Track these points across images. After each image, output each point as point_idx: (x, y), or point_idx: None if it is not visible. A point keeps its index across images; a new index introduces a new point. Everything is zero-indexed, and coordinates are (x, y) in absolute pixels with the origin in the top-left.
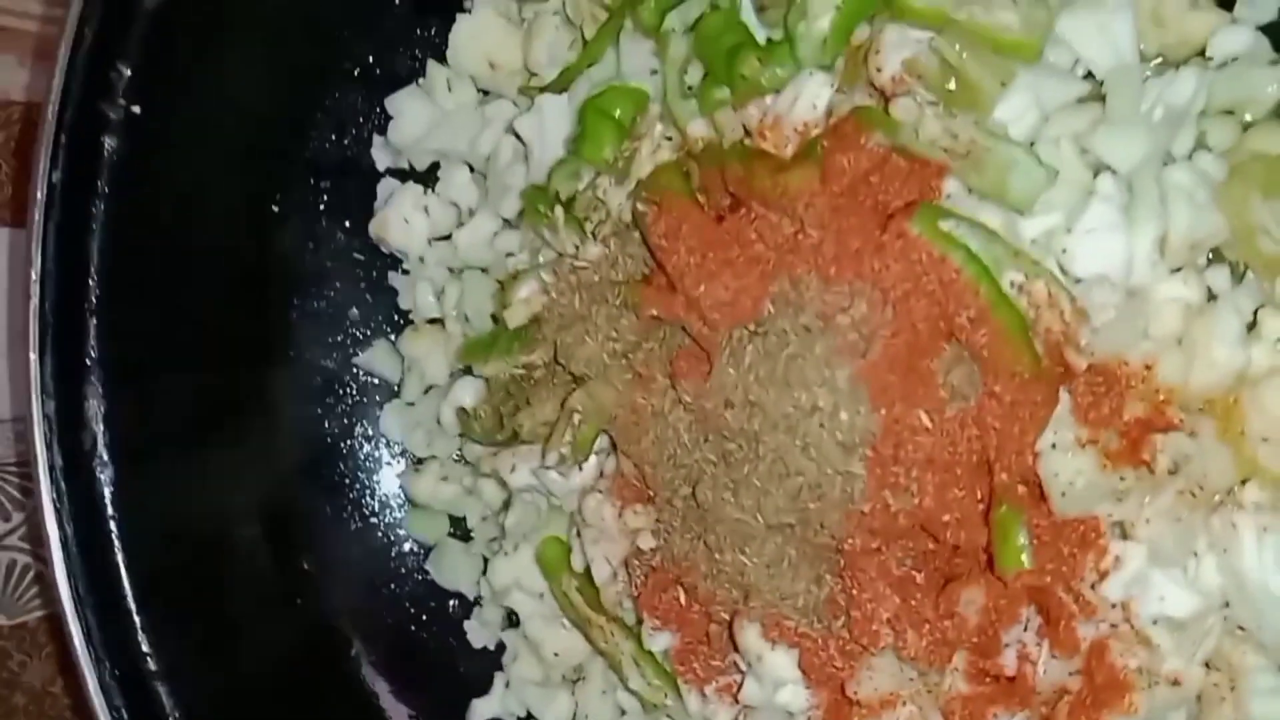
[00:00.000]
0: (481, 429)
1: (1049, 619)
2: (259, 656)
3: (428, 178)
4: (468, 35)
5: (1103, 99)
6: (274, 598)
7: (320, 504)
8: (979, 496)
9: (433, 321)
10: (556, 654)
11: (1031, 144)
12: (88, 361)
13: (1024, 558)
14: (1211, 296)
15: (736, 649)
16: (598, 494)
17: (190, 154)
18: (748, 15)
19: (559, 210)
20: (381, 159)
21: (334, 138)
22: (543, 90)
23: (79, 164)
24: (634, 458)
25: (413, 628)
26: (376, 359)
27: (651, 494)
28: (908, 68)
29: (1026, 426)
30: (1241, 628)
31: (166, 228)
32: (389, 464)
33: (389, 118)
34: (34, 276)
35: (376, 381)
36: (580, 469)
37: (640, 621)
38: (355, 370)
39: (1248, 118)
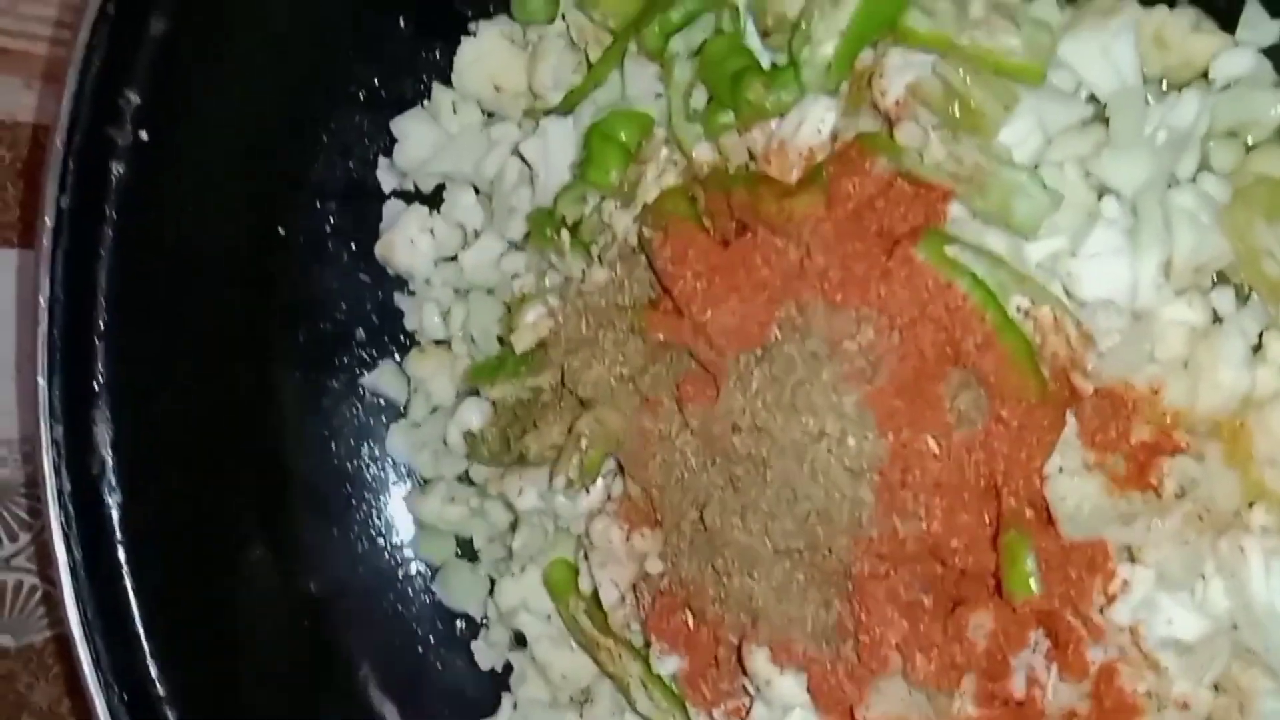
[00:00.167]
0: (489, 451)
1: (1057, 642)
2: (267, 678)
3: (433, 199)
4: (472, 58)
5: (1106, 121)
6: (281, 620)
7: (327, 525)
8: (987, 521)
9: (439, 342)
10: (564, 676)
11: (1036, 167)
12: (96, 387)
13: (1032, 583)
14: (1216, 319)
15: (745, 673)
16: (605, 517)
17: (197, 179)
18: (752, 40)
19: (565, 234)
20: (387, 181)
21: (340, 160)
22: (547, 113)
23: (87, 190)
24: (641, 481)
25: (420, 649)
26: (383, 380)
27: (659, 517)
28: (912, 91)
29: (1033, 451)
30: (1250, 650)
31: (174, 252)
32: (395, 485)
33: (394, 140)
34: (42, 302)
35: (383, 402)
36: (587, 492)
37: (648, 644)
38: (362, 391)
39: (1251, 140)
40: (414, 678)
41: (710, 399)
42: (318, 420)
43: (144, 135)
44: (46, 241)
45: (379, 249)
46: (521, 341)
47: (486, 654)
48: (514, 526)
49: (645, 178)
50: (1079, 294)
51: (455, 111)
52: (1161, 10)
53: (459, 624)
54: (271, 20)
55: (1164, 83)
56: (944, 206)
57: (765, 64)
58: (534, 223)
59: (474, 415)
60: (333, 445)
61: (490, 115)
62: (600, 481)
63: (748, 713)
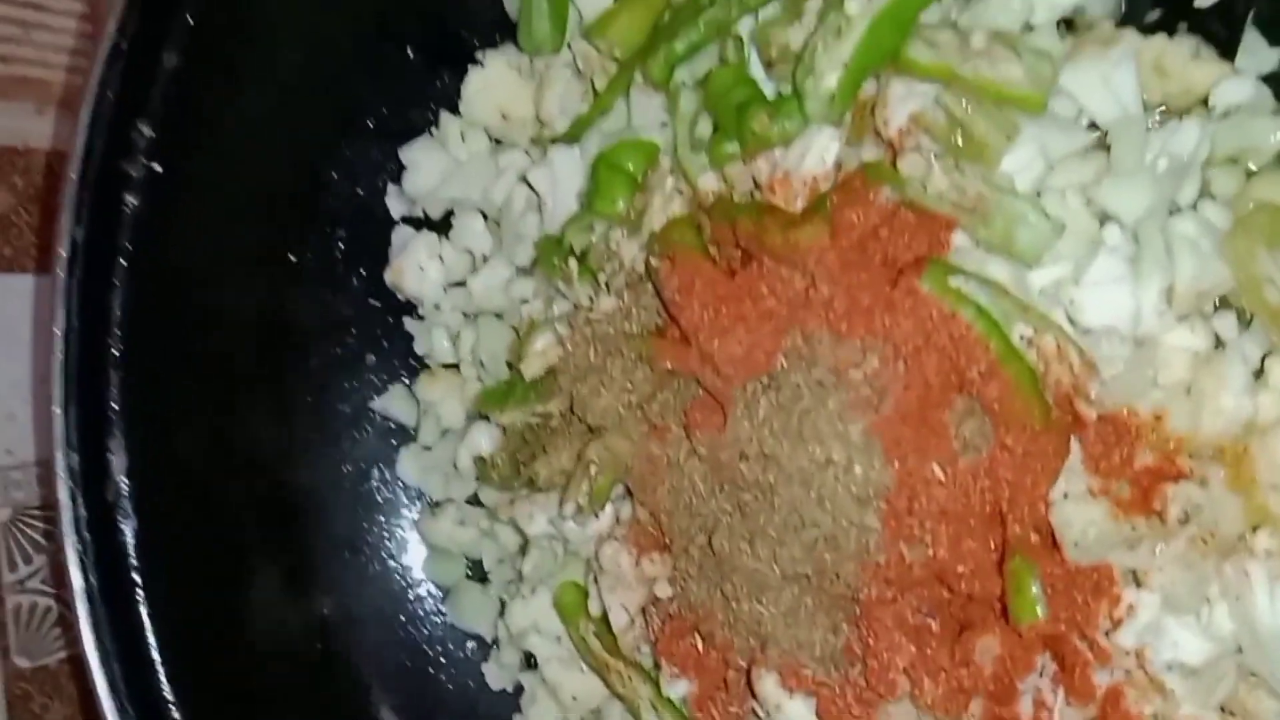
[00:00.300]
0: (499, 476)
1: (1064, 666)
2: (280, 700)
3: (442, 226)
4: (480, 87)
5: (1107, 149)
6: (294, 642)
7: (339, 548)
8: (992, 546)
9: (448, 366)
10: (575, 697)
11: (1038, 195)
12: (110, 415)
13: (1038, 608)
14: (1219, 344)
15: (754, 696)
16: (615, 542)
17: (209, 209)
18: (756, 70)
19: (573, 262)
20: (396, 208)
21: (350, 188)
22: (554, 141)
23: (101, 221)
24: (650, 507)
25: (431, 670)
26: (393, 404)
27: (668, 542)
28: (914, 121)
29: (1038, 477)
30: (1255, 673)
31: (186, 281)
32: (406, 507)
33: (403, 168)
34: (58, 332)
35: (393, 426)
36: (597, 517)
37: (658, 667)
38: (372, 415)
39: (1251, 166)
40: (425, 699)
41: (718, 426)
42: (329, 444)
43: (157, 167)
44: (61, 272)
45: (389, 275)
46: (531, 369)
47: (497, 675)
48: (524, 549)
49: (651, 206)
50: (1082, 321)
51: (463, 139)
52: (1161, 38)
53: (470, 645)
54: (282, 53)
55: (1164, 110)
56: (947, 235)
57: (769, 94)
58: (542, 251)
59: (484, 439)
60: (344, 469)
61: (498, 143)
62: (609, 507)
63: None
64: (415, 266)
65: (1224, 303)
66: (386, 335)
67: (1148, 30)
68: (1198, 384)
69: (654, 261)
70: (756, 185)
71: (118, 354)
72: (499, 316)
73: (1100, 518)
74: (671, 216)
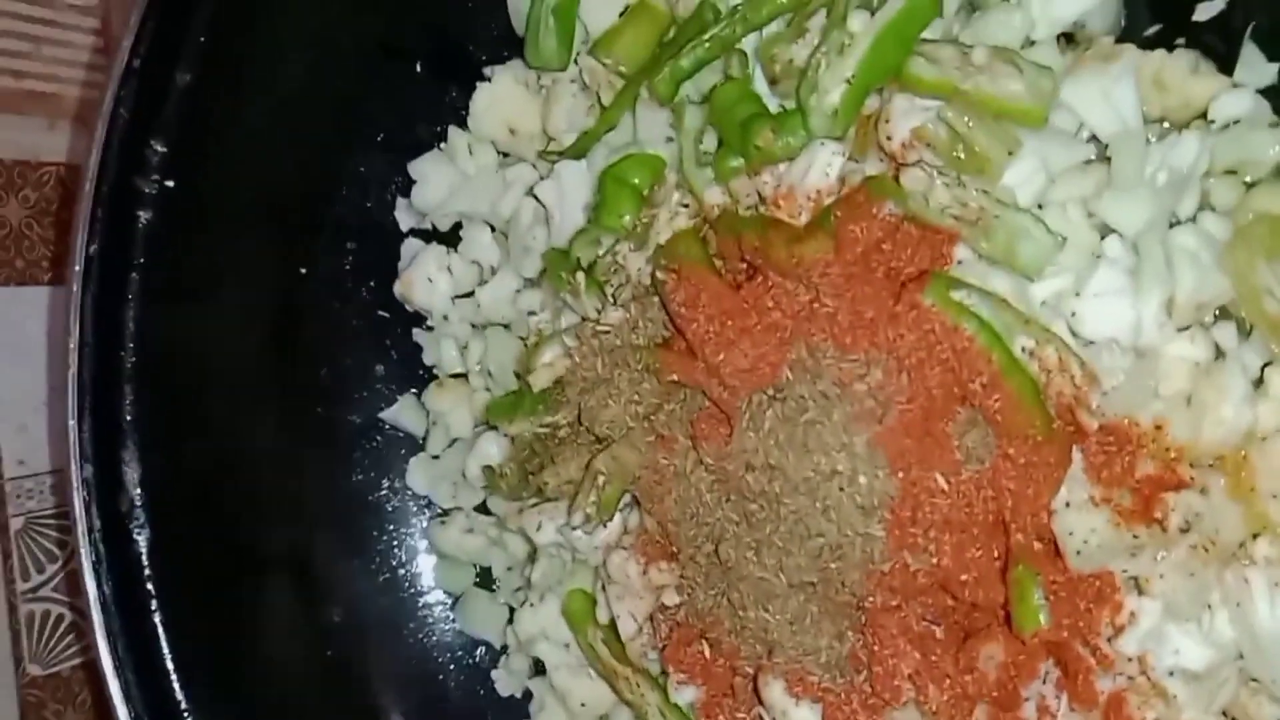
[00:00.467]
0: (507, 486)
1: (1067, 672)
2: (292, 708)
3: (451, 238)
4: (488, 102)
5: (1108, 161)
6: (305, 650)
7: (349, 557)
8: (996, 555)
9: (456, 376)
10: (583, 704)
11: (1039, 208)
12: (124, 427)
13: (1041, 615)
14: (1219, 354)
15: (761, 703)
16: (622, 551)
17: (221, 223)
18: (760, 86)
19: (580, 275)
20: (405, 221)
21: (359, 202)
22: (561, 155)
23: (115, 236)
24: (657, 516)
25: (440, 676)
26: (402, 414)
27: (675, 551)
28: (917, 136)
29: (1041, 487)
30: (1256, 679)
31: (199, 295)
32: (415, 516)
33: (412, 181)
34: (72, 345)
35: (402, 435)
36: (605, 527)
37: (665, 673)
38: (381, 425)
39: (1250, 179)
40: (435, 705)
41: (724, 437)
42: (339, 454)
43: (170, 183)
44: (76, 286)
45: (398, 287)
46: (539, 380)
47: (506, 681)
48: (532, 556)
49: (657, 220)
50: (1083, 333)
51: (471, 154)
52: (1160, 53)
53: (479, 652)
54: (292, 70)
55: (1164, 124)
56: (950, 249)
57: (773, 110)
58: (550, 263)
59: (492, 449)
60: (354, 478)
61: (505, 157)
62: (617, 516)
63: None
64: (424, 278)
65: (1224, 313)
66: (395, 346)
67: (1147, 45)
68: (1198, 394)
69: (660, 274)
70: (761, 199)
71: (131, 366)
72: (507, 328)
73: (1102, 526)
74: (677, 230)
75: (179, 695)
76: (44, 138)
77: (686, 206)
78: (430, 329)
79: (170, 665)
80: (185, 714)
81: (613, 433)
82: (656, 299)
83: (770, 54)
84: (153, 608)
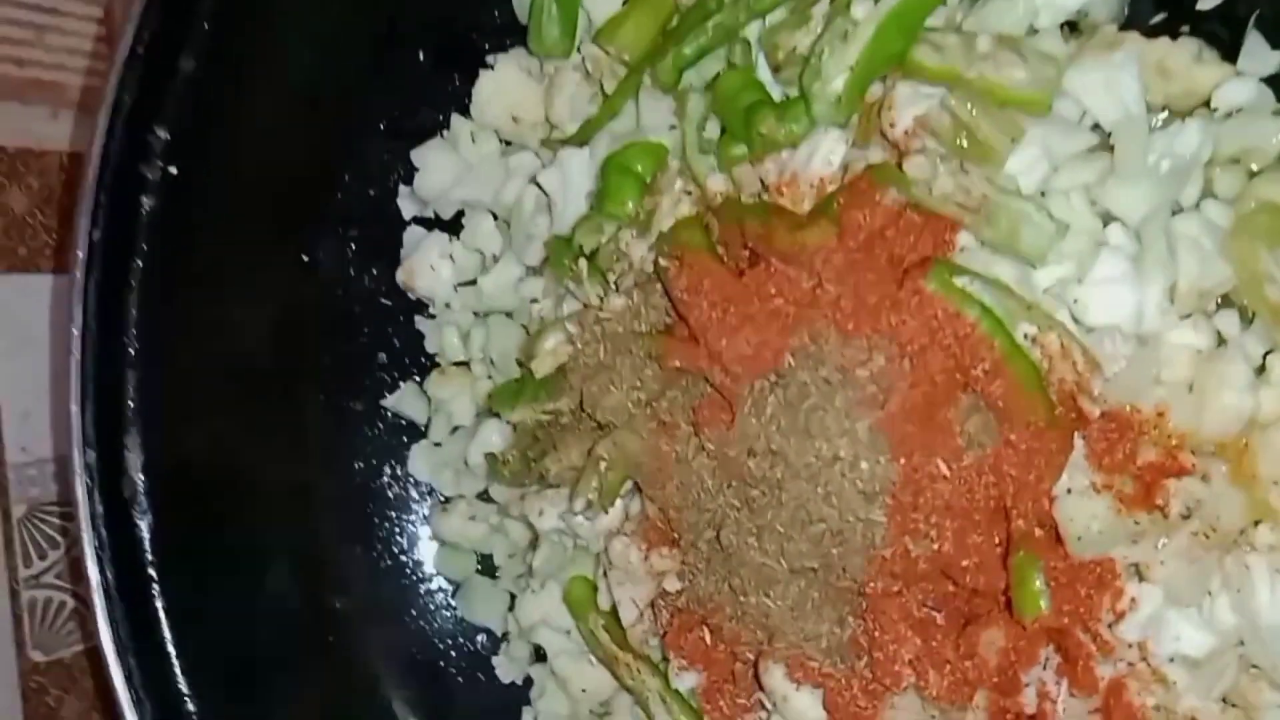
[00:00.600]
0: (509, 472)
1: (1068, 658)
2: (294, 695)
3: (453, 226)
4: (491, 89)
5: (1111, 149)
6: (307, 637)
7: (351, 543)
8: (997, 541)
9: (459, 364)
10: (584, 690)
11: (1042, 196)
12: (127, 413)
13: (1042, 601)
14: (1221, 342)
15: (762, 688)
16: (624, 537)
17: (224, 210)
18: (764, 73)
19: (583, 263)
20: (408, 208)
21: (362, 189)
22: (564, 143)
23: (118, 223)
24: (659, 502)
25: (442, 663)
26: (404, 401)
27: (677, 537)
28: (920, 123)
29: (1042, 473)
30: (1257, 665)
31: (201, 282)
32: (417, 503)
33: (415, 169)
34: (75, 332)
35: (404, 423)
36: (606, 513)
37: (666, 659)
38: (384, 412)
39: (1253, 167)
40: (436, 691)
41: (726, 423)
42: (341, 441)
43: (173, 170)
44: (79, 273)
45: (400, 274)
46: (541, 367)
47: (507, 668)
48: (534, 543)
49: (660, 208)
50: (1086, 320)
51: (474, 141)
52: (1164, 41)
53: (480, 639)
54: (295, 56)
55: (1167, 112)
56: (952, 236)
57: (777, 97)
58: (552, 251)
59: (494, 436)
60: (356, 465)
61: (508, 145)
62: (619, 503)
63: None
64: (426, 266)
65: (1226, 301)
66: (398, 334)
67: (1151, 33)
68: (1200, 381)
69: (663, 261)
70: (764, 187)
71: (133, 353)
72: (509, 315)
73: (1103, 512)
74: (680, 217)
75: (181, 680)
76: (47, 126)
77: (689, 194)
78: (432, 317)
79: (172, 650)
80: (187, 699)
81: (615, 419)
82: (659, 286)
83: (774, 41)
84: (155, 593)
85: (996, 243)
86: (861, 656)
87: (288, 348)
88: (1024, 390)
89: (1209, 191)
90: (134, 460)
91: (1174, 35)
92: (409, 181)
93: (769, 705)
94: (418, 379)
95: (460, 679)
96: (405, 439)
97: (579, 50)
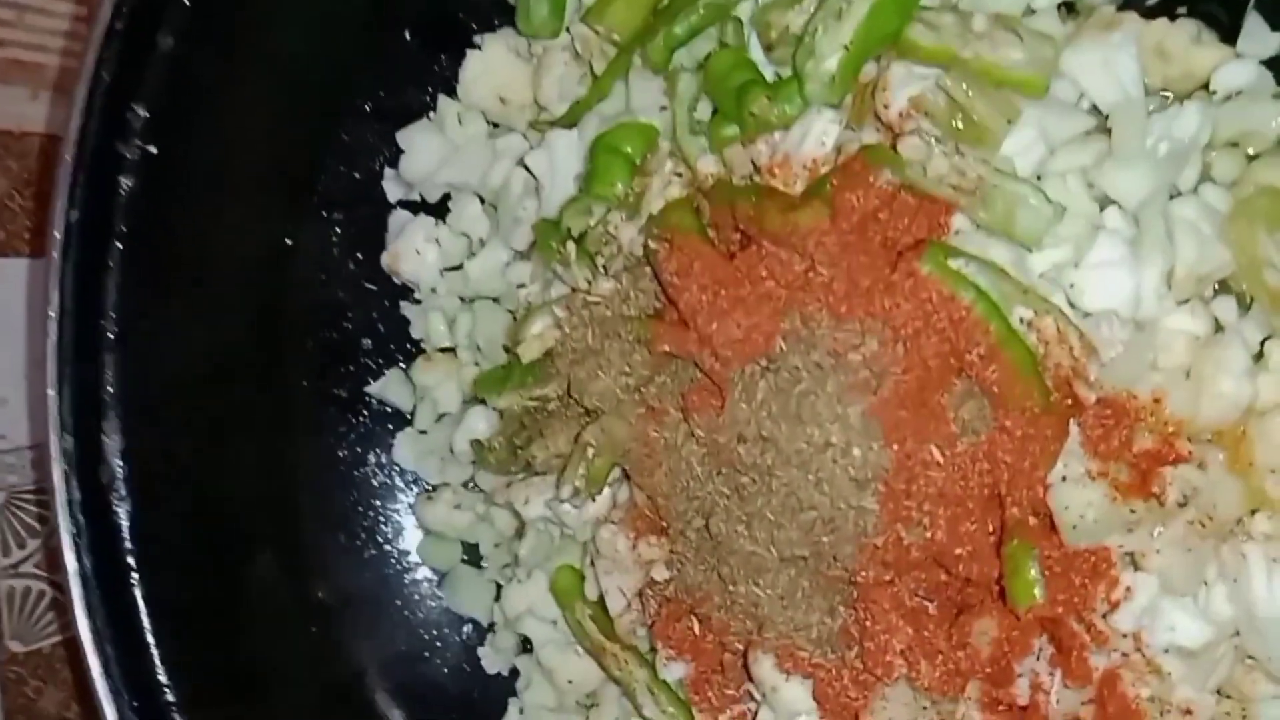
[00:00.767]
0: (495, 460)
1: (1061, 649)
2: (276, 686)
3: (439, 210)
4: (478, 70)
5: (1108, 133)
6: (290, 627)
7: (334, 532)
8: (990, 529)
9: (445, 350)
10: (571, 681)
11: (1038, 179)
12: (105, 398)
13: (1036, 591)
14: (1218, 328)
15: (751, 679)
16: (611, 525)
17: (205, 191)
18: (756, 53)
19: (571, 246)
20: (393, 191)
21: (346, 172)
22: (553, 125)
23: (96, 203)
24: (647, 489)
25: (427, 654)
26: (389, 388)
27: (665, 525)
28: (914, 104)
29: (1037, 460)
30: (1252, 656)
31: (182, 264)
32: (402, 492)
33: (400, 151)
34: (52, 314)
35: (389, 410)
36: (594, 501)
37: (654, 650)
38: (368, 399)
39: (1252, 151)
40: (421, 683)
41: (716, 409)
42: (325, 428)
43: (152, 149)
44: (56, 254)
45: (385, 259)
46: (528, 352)
47: (493, 659)
48: (520, 532)
49: (650, 190)
50: (1082, 304)
51: (461, 123)
52: (1162, 22)
53: (466, 629)
54: (278, 35)
55: (1165, 94)
56: (947, 218)
57: (769, 77)
58: (540, 234)
59: (480, 423)
60: (339, 453)
61: (495, 127)
62: (607, 490)
63: (754, 718)
64: (412, 250)
65: (1224, 287)
66: (383, 319)
67: (1149, 14)
68: (1197, 367)
69: (652, 244)
70: (756, 168)
71: (112, 336)
72: (496, 300)
73: (1099, 500)
74: (670, 199)
75: (160, 670)
76: (27, 108)
77: (680, 175)
78: (418, 302)
79: (151, 640)
80: (166, 690)
81: (603, 405)
82: (648, 269)
83: (766, 20)
84: (133, 581)
85: (992, 226)
86: (852, 646)
87: (270, 332)
88: (1019, 375)
89: (1207, 175)
90: (112, 446)
91: (1172, 16)
92: (394, 164)
93: (758, 696)
94: (403, 365)
95: (445, 670)
96: (390, 426)
97: (568, 30)
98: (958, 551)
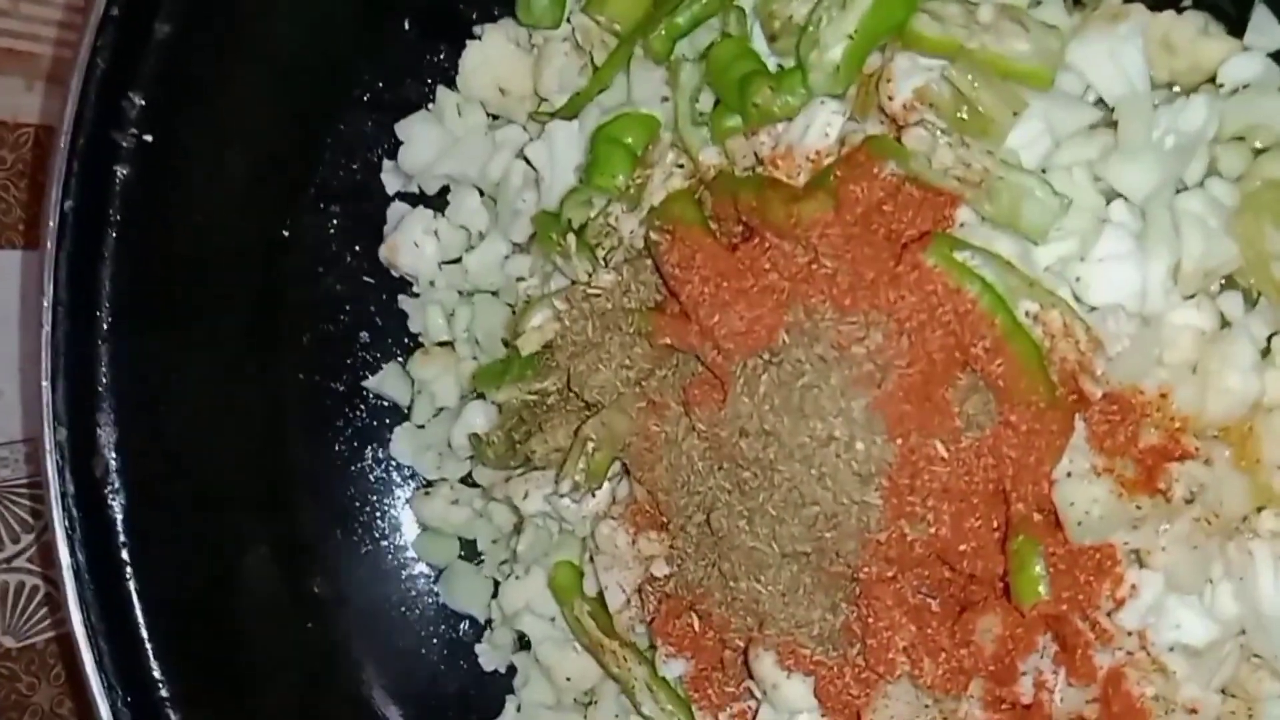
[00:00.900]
0: (494, 454)
1: (1065, 647)
2: (271, 681)
3: (438, 202)
4: (477, 61)
5: (1114, 126)
6: (285, 622)
7: (331, 527)
8: (995, 525)
9: (443, 344)
10: (568, 678)
11: (1044, 172)
12: (99, 389)
13: (1041, 588)
14: (1225, 323)
15: (752, 676)
16: (611, 520)
17: (201, 181)
18: (759, 43)
19: (571, 238)
20: (391, 183)
21: (344, 163)
22: (553, 116)
23: (91, 192)
24: (647, 484)
25: (424, 650)
26: (387, 382)
27: (665, 520)
28: (919, 96)
29: (1042, 455)
30: (1258, 655)
31: (177, 255)
32: (399, 487)
33: (399, 143)
34: (46, 304)
35: (387, 404)
36: (593, 495)
37: (654, 647)
38: (365, 393)
39: (1259, 145)
40: (418, 680)
41: (717, 403)
42: (321, 422)
43: (148, 138)
44: (50, 244)
45: (383, 252)
46: (528, 345)
47: (490, 656)
48: (518, 529)
49: (651, 181)
50: (1088, 298)
51: (460, 114)
52: (1169, 15)
53: (463, 626)
54: (276, 23)
55: (1172, 87)
56: (952, 211)
57: (772, 68)
58: (540, 226)
59: (479, 418)
60: (336, 447)
61: (495, 118)
62: (606, 485)
63: (754, 716)
64: (410, 243)
65: (1230, 282)
66: (380, 313)
67: (1156, 6)
68: (1204, 363)
69: (654, 236)
70: (758, 160)
71: (107, 327)
72: (495, 294)
73: (1104, 497)
74: (671, 191)
75: (153, 666)
76: (22, 98)
77: (682, 167)
78: (416, 295)
79: (145, 635)
80: (160, 685)
81: (603, 399)
82: (649, 261)
83: (769, 10)
84: (127, 575)
85: (997, 218)
86: (854, 644)
87: (266, 324)
88: (1025, 369)
89: (1214, 169)
90: (106, 438)
91: (1179, 8)
92: (393, 155)
93: (758, 694)
94: (400, 359)
95: (442, 666)
96: (387, 421)
97: (568, 20)
98: (961, 548)
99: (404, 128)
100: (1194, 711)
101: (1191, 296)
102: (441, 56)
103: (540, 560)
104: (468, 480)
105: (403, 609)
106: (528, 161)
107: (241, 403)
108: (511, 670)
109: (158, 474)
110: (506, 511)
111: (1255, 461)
